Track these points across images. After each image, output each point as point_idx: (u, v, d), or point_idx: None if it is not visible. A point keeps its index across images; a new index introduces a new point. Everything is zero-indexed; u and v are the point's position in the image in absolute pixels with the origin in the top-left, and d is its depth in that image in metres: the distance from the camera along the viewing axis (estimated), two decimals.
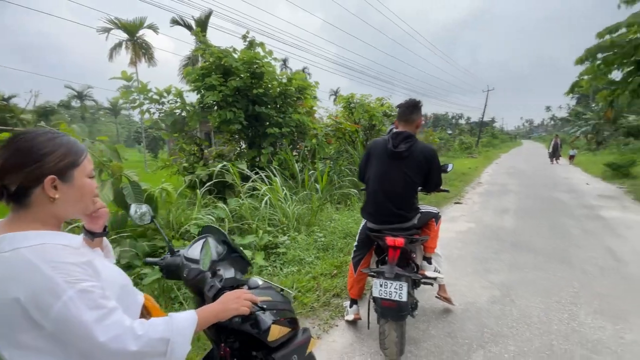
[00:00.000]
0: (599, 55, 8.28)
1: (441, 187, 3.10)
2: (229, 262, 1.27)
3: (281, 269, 3.47)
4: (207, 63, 6.05)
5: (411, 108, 2.22)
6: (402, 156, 2.10)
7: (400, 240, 2.07)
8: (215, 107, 6.04)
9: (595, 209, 6.35)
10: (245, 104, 5.89)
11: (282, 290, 1.35)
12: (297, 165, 6.22)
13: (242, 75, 5.80)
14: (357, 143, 8.64)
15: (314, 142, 6.79)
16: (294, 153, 7.05)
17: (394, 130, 2.23)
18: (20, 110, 18.32)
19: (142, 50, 22.23)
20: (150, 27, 22.20)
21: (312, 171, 6.58)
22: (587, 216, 5.81)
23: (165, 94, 5.93)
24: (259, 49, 6.12)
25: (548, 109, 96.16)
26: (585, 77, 9.23)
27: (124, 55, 21.97)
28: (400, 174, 2.11)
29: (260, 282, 1.27)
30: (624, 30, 7.67)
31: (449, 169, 3.27)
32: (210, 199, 4.89)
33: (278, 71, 6.42)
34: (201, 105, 5.95)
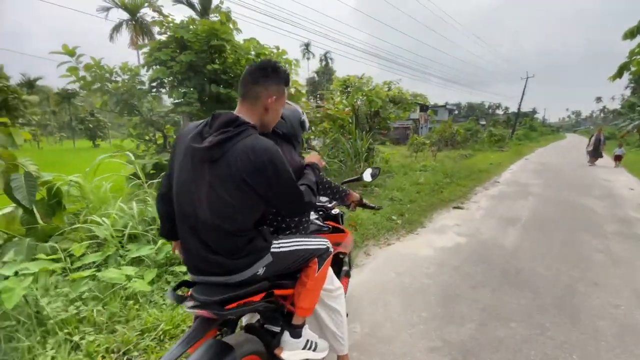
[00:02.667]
0: None
1: (365, 202, 2.14)
2: None
3: None
4: (165, 38, 5.27)
5: (256, 74, 1.28)
6: (210, 157, 1.16)
7: (204, 314, 1.16)
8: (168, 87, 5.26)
9: (633, 224, 4.97)
10: (199, 82, 5.06)
11: None
12: None
13: (194, 48, 4.95)
14: (350, 132, 7.58)
15: None
16: None
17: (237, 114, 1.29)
18: None
19: (143, 31, 21.80)
20: (152, 6, 21.63)
21: None
22: (619, 234, 4.49)
23: (118, 72, 5.24)
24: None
25: (599, 100, 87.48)
26: (639, 57, 7.48)
27: (126, 36, 21.50)
28: (205, 188, 1.17)
29: None
30: None
31: (366, 177, 2.28)
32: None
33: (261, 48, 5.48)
34: (152, 83, 5.20)
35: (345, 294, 2.69)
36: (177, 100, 5.01)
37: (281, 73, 1.32)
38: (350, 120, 7.62)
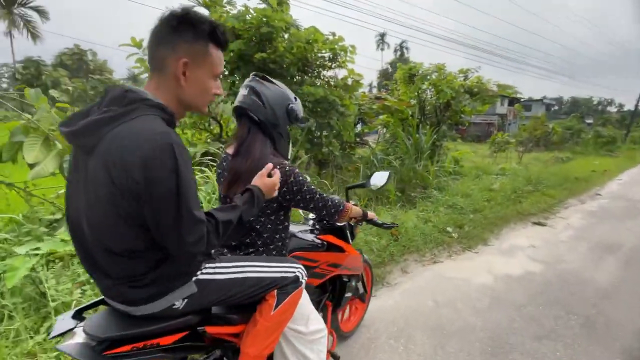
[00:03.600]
0: None
1: (372, 219, 1.67)
2: None
3: None
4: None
5: (160, 30, 0.90)
6: (83, 145, 0.85)
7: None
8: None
9: None
10: (248, 71, 4.95)
11: None
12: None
13: (245, 37, 4.85)
14: (409, 126, 6.82)
15: (337, 123, 5.44)
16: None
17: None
18: None
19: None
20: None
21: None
22: None
23: None
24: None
25: None
26: None
27: None
28: (83, 190, 0.86)
29: None
30: None
31: (373, 182, 1.79)
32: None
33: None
34: None
35: (360, 322, 2.28)
36: (226, 91, 5.01)
37: (198, 24, 0.90)
38: (411, 113, 6.83)
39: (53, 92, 17.97)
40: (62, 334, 0.95)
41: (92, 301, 1.10)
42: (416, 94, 7.46)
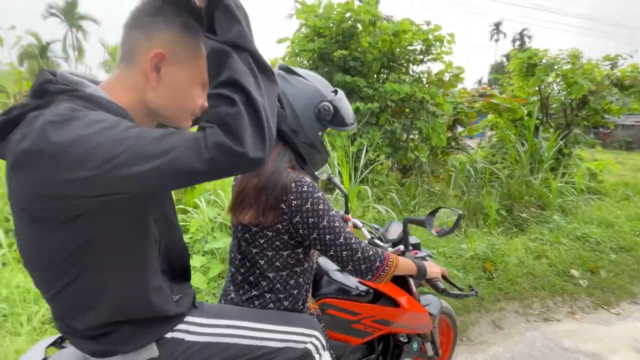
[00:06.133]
0: None
1: (436, 283, 1.20)
2: None
3: None
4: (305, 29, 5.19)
5: (137, 11, 0.66)
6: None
7: None
8: None
9: None
10: (328, 70, 4.68)
11: None
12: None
13: (326, 35, 4.58)
14: (523, 129, 5.48)
15: (426, 124, 4.68)
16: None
17: None
18: None
19: None
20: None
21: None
22: None
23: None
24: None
25: None
26: None
27: None
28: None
29: None
30: None
31: (429, 225, 1.27)
32: None
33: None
34: None
35: None
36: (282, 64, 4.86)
37: (194, 8, 0.65)
38: (528, 112, 5.47)
39: None
40: None
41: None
42: (537, 88, 5.98)
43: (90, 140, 0.51)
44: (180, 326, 0.77)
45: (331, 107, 0.97)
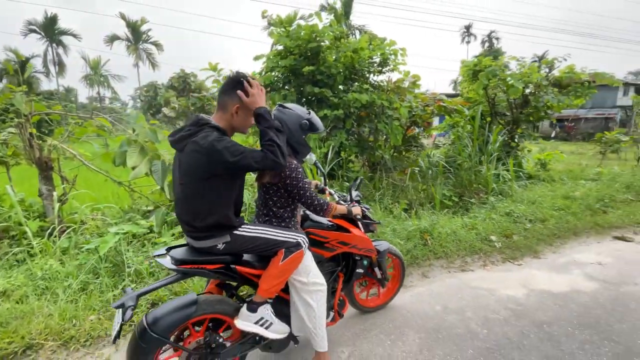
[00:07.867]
0: None
1: (357, 217, 2.07)
2: None
3: None
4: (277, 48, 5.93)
5: (224, 86, 1.60)
6: (178, 148, 1.59)
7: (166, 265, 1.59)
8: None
9: None
10: (298, 83, 5.44)
11: None
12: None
13: (296, 53, 5.33)
14: (468, 128, 6.37)
15: (386, 126, 5.49)
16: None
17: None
18: None
19: None
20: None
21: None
22: None
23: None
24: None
25: None
26: None
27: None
28: (178, 172, 1.59)
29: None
30: None
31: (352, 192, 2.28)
32: None
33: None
34: (266, 88, 5.96)
35: (383, 305, 2.58)
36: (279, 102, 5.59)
37: (240, 87, 1.55)
38: (466, 112, 6.36)
39: (164, 110, 22.14)
40: (159, 255, 1.66)
41: (177, 244, 1.74)
42: (483, 91, 6.91)
43: (229, 148, 1.43)
44: (242, 228, 1.61)
45: (308, 123, 1.82)
